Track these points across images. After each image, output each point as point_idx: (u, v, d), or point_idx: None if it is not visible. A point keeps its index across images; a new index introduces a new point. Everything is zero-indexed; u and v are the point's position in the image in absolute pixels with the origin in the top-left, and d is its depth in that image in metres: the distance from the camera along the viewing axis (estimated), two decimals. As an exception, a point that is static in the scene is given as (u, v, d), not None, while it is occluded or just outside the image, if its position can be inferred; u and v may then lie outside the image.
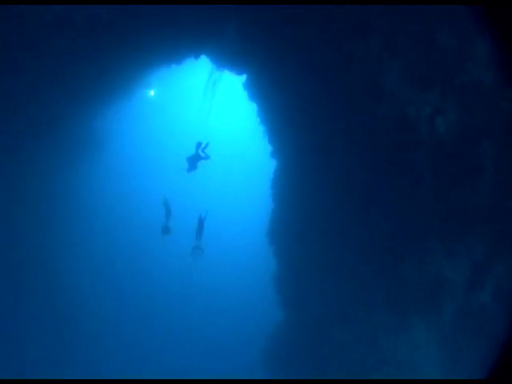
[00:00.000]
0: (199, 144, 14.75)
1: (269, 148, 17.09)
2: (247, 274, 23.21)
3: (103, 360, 20.24)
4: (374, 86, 10.01)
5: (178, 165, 15.82)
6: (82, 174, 19.95)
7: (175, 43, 15.62)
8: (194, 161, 14.53)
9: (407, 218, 10.72)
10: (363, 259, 12.29)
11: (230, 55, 15.89)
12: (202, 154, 14.67)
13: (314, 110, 13.54)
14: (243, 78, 16.89)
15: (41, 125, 16.38)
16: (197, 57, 16.51)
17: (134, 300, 23.36)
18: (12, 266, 17.19)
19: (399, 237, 10.97)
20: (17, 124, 15.68)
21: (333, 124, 13.05)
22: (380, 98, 9.96)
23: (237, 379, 18.05)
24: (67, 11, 13.66)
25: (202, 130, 17.20)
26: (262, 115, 17.07)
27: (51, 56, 14.74)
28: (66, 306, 19.36)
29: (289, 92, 14.66)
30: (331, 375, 13.96)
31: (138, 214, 25.39)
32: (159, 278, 24.80)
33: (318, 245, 14.50)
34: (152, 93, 22.27)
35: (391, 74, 9.54)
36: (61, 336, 18.91)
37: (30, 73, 14.86)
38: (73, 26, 14.05)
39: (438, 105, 9.35)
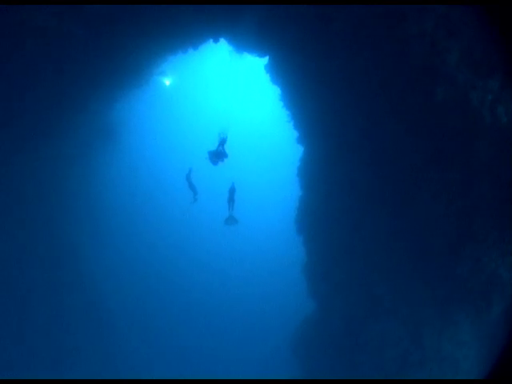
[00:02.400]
0: (222, 140, 13.73)
1: (294, 134, 16.06)
2: (277, 263, 22.54)
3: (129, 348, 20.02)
4: (429, 68, 8.85)
5: (200, 155, 14.93)
6: (100, 163, 19.25)
7: (192, 26, 14.43)
8: (215, 156, 13.55)
9: (462, 211, 9.72)
10: (411, 256, 11.36)
11: (250, 37, 14.68)
12: (222, 151, 13.65)
13: (349, 92, 12.38)
14: (265, 60, 15.73)
15: (57, 116, 15.51)
16: (216, 40, 15.27)
17: (159, 288, 22.91)
18: (32, 258, 16.66)
19: (453, 232, 9.98)
20: (32, 116, 14.81)
21: (369, 107, 11.92)
22: (436, 82, 8.81)
23: (243, 379, 17.58)
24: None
25: (223, 117, 16.14)
26: (286, 99, 15.96)
27: (62, 45, 13.71)
28: (91, 298, 19.00)
29: (318, 73, 13.48)
30: (368, 370, 13.37)
31: (157, 201, 24.75)
32: (185, 265, 24.28)
33: (355, 235, 13.57)
34: (167, 82, 21.03)
35: (449, 57, 8.38)
36: (92, 330, 18.57)
37: (42, 63, 13.86)
38: (83, 11, 12.95)
39: (498, 93, 8.24)
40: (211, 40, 15.41)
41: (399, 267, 11.99)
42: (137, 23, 13.81)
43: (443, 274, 10.66)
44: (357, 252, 13.71)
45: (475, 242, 9.84)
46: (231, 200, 14.76)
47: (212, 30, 14.79)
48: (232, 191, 14.79)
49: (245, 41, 14.96)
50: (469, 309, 11.00)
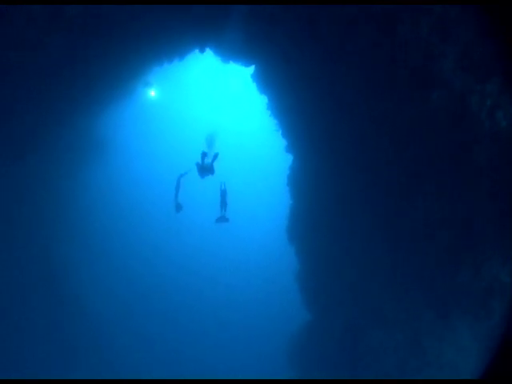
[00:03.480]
0: (204, 154, 13.22)
1: (283, 142, 15.74)
2: (272, 270, 22.17)
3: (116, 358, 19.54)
4: (424, 73, 8.60)
5: (187, 165, 14.50)
6: (86, 178, 18.76)
7: (177, 36, 14.03)
8: (202, 169, 13.08)
9: (460, 217, 9.48)
10: (408, 263, 11.09)
11: (236, 45, 14.35)
12: (210, 166, 13.14)
13: (338, 99, 12.10)
14: (251, 69, 15.41)
15: (41, 131, 14.93)
16: (202, 50, 14.87)
17: (156, 302, 22.42)
18: (19, 272, 16.02)
19: (452, 239, 9.74)
20: (15, 130, 14.18)
21: (360, 113, 11.69)
22: (432, 87, 8.57)
23: (244, 379, 17.35)
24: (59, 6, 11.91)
25: (212, 130, 15.80)
26: (274, 108, 15.65)
27: (42, 55, 13.08)
28: (77, 307, 18.50)
29: (306, 80, 13.21)
30: (367, 379, 13.05)
31: (145, 213, 24.25)
32: (178, 274, 23.79)
33: (349, 243, 13.27)
34: (153, 93, 20.46)
35: (444, 61, 8.14)
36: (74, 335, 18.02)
37: (23, 77, 13.23)
38: (65, 19, 12.35)
39: (497, 97, 8.04)
40: (197, 50, 15.02)
41: (397, 274, 11.72)
42: (120, 34, 13.35)
43: (443, 281, 10.41)
44: (352, 260, 13.44)
45: (475, 249, 9.61)
46: (223, 202, 14.47)
47: (197, 39, 14.42)
48: (224, 193, 14.51)
49: (231, 50, 14.63)
50: (469, 315, 10.76)
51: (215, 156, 13.01)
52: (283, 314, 19.22)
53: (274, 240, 18.77)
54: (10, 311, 15.29)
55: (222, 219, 14.45)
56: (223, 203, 14.45)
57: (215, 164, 13.34)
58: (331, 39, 11.19)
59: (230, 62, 15.41)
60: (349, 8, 9.72)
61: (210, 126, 16.61)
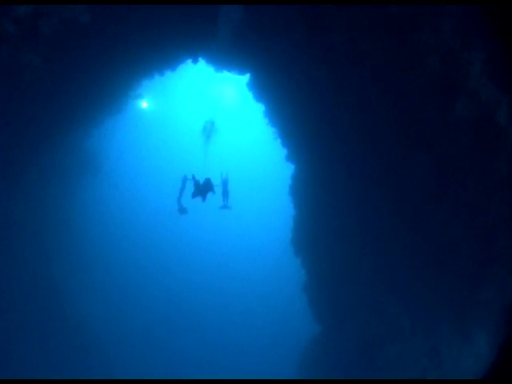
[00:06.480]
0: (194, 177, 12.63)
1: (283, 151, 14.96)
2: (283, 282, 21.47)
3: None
4: (446, 81, 7.87)
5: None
6: (83, 194, 18.00)
7: (169, 48, 13.13)
8: (201, 192, 12.47)
9: (482, 231, 8.83)
10: (426, 277, 10.43)
11: (229, 53, 13.52)
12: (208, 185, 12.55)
13: (344, 107, 11.33)
14: (247, 77, 14.58)
15: (35, 151, 14.02)
16: (195, 60, 13.98)
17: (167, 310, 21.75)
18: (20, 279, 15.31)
19: (473, 253, 9.11)
20: (10, 152, 13.24)
21: (368, 122, 10.97)
22: (456, 97, 7.83)
23: (246, 379, 16.95)
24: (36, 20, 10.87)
25: (206, 117, 15.02)
26: (272, 116, 14.85)
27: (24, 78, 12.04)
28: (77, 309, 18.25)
29: (305, 88, 12.43)
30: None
31: (143, 221, 23.50)
32: (183, 288, 23.11)
33: (362, 253, 12.56)
34: (145, 105, 19.50)
35: (471, 70, 7.39)
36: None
37: (11, 97, 12.22)
38: (45, 32, 11.31)
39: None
40: (190, 60, 14.15)
41: (415, 287, 11.04)
42: (108, 47, 12.44)
43: (464, 295, 9.77)
44: (366, 271, 12.72)
45: (498, 264, 8.96)
46: (225, 191, 14.07)
47: (190, 49, 13.54)
48: (225, 183, 14.05)
49: (224, 58, 13.79)
50: (490, 328, 10.15)
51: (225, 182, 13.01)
52: (290, 328, 18.56)
53: (278, 251, 18.08)
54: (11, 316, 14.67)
55: (225, 207, 14.19)
56: (225, 192, 14.05)
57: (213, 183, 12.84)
58: (338, 45, 10.37)
59: (224, 70, 14.58)
60: (358, 10, 8.89)
61: (206, 116, 15.88)
